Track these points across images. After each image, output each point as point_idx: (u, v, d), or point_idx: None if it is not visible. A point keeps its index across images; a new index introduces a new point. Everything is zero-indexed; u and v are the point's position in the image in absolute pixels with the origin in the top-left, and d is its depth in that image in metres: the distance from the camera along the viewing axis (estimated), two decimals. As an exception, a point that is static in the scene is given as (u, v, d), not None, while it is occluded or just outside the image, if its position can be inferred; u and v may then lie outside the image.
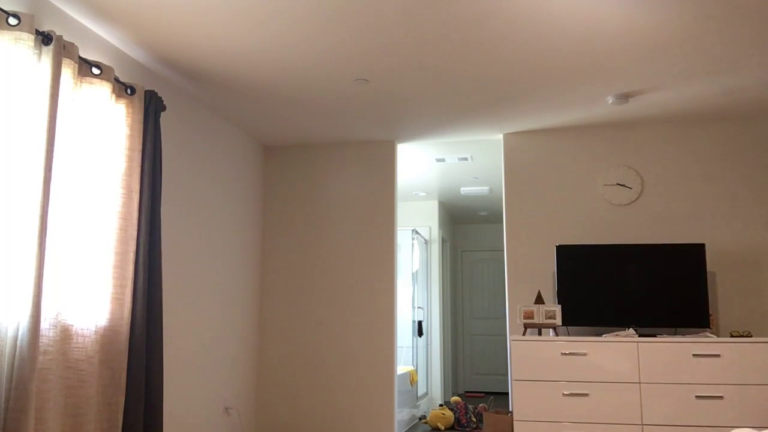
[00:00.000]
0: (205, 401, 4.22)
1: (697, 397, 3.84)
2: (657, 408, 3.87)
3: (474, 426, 6.08)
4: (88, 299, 2.95)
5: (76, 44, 2.96)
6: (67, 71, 2.83)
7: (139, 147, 3.28)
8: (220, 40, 3.32)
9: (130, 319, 3.15)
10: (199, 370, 4.15)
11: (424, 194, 7.41)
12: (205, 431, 4.20)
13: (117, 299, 3.09)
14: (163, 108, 3.48)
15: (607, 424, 3.90)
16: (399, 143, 5.20)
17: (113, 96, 3.16)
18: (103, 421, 2.99)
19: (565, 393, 3.98)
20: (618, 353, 3.97)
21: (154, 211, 3.34)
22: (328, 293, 5.04)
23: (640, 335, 4.05)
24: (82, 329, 2.90)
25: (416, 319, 7.23)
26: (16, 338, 2.50)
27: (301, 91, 4.03)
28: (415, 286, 7.37)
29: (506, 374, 8.91)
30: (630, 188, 4.62)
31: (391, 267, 4.97)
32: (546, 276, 4.66)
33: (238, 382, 4.72)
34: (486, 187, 6.87)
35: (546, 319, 4.20)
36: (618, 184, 4.65)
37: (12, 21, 2.57)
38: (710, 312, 4.33)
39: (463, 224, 9.44)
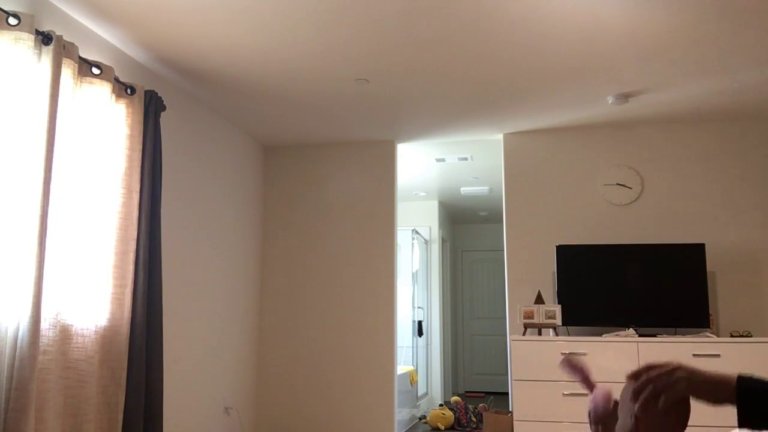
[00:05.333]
0: (205, 401, 4.22)
1: (697, 397, 3.83)
2: (657, 408, 3.86)
3: (474, 426, 6.08)
4: (88, 299, 2.95)
5: (76, 44, 2.96)
6: (67, 71, 2.83)
7: (139, 147, 3.28)
8: (220, 40, 3.32)
9: (130, 319, 3.15)
10: (199, 369, 4.15)
11: (424, 194, 7.41)
12: (205, 431, 4.20)
13: (117, 299, 3.09)
14: (163, 108, 3.48)
15: (607, 424, 3.89)
16: (399, 143, 5.19)
17: (113, 96, 3.15)
18: (103, 421, 2.99)
19: (565, 393, 3.98)
20: (618, 353, 3.97)
21: (154, 211, 3.34)
22: (328, 293, 5.04)
23: (640, 335, 4.05)
24: (82, 329, 2.90)
25: (416, 319, 7.23)
26: (16, 338, 2.50)
27: (301, 91, 4.03)
28: (415, 286, 7.37)
29: (506, 374, 8.91)
30: (630, 188, 4.62)
31: (391, 267, 4.97)
32: (546, 276, 4.65)
33: (238, 382, 4.72)
34: (486, 187, 6.87)
35: (546, 319, 4.20)
36: (618, 184, 4.65)
37: (12, 21, 2.57)
38: (710, 312, 4.33)
39: (463, 224, 9.44)
